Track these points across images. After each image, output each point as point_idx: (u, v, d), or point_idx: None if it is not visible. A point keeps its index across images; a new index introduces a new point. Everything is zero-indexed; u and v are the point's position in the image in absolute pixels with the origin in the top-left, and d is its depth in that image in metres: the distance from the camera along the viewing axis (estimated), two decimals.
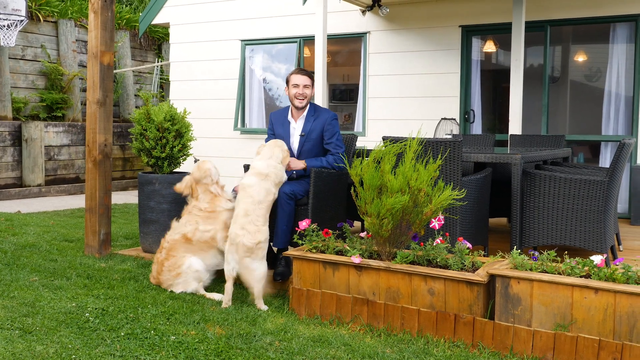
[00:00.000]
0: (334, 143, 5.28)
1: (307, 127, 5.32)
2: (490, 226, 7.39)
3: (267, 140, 5.38)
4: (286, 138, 5.33)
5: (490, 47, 9.82)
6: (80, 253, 5.65)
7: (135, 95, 14.53)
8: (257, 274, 4.45)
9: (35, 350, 3.36)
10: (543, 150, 6.15)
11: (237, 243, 4.43)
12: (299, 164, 5.18)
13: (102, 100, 5.45)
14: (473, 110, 9.26)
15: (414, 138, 4.32)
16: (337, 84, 13.93)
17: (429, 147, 4.72)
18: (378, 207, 4.09)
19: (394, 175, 4.19)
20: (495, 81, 10.81)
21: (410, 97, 9.50)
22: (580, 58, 10.46)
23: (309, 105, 5.39)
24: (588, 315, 3.61)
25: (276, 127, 5.43)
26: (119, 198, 11.14)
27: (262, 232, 4.52)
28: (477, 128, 9.38)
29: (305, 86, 5.29)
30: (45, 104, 12.56)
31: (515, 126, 7.77)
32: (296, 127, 5.36)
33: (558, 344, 3.64)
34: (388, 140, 4.85)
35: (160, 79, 14.71)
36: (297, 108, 5.34)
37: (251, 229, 4.46)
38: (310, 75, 5.34)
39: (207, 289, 4.76)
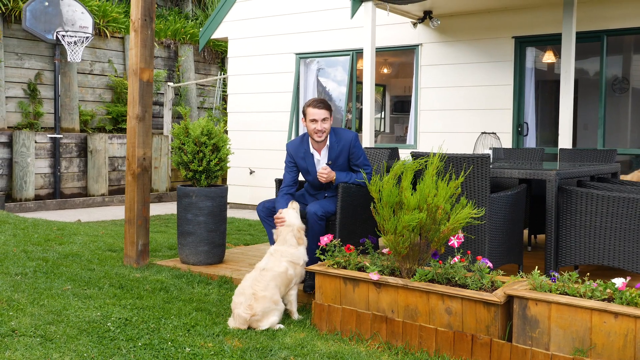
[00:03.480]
0: (361, 164, 5.23)
1: (332, 154, 5.18)
2: (539, 243, 7.22)
3: (285, 169, 5.28)
4: (311, 169, 5.21)
5: (544, 58, 9.59)
6: (119, 263, 5.84)
7: (199, 108, 14.91)
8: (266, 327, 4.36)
9: (51, 358, 3.51)
10: (585, 165, 5.95)
11: (234, 314, 4.31)
12: (330, 175, 5.13)
13: (141, 116, 5.64)
14: (527, 123, 9.05)
15: (435, 154, 4.28)
16: (398, 95, 13.91)
17: (451, 164, 4.65)
18: (395, 224, 4.06)
19: (414, 192, 4.15)
20: (551, 93, 10.53)
21: (462, 109, 9.38)
22: None
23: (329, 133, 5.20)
24: (608, 340, 3.48)
25: (296, 160, 5.25)
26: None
27: (260, 301, 4.28)
28: (531, 141, 9.16)
29: (323, 120, 5.04)
30: (111, 117, 13.07)
31: (565, 140, 7.55)
32: (321, 159, 5.23)
33: None
34: (413, 155, 4.83)
35: (223, 91, 15.04)
36: (317, 142, 5.16)
37: (247, 293, 4.31)
38: (328, 106, 5.09)
39: None
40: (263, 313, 4.28)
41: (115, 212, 10.81)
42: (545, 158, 7.41)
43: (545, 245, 5.12)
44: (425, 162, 4.26)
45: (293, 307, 4.60)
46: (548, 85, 10.59)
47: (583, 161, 6.94)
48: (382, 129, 13.97)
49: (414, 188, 4.20)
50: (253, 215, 10.50)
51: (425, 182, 4.10)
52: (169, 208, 11.62)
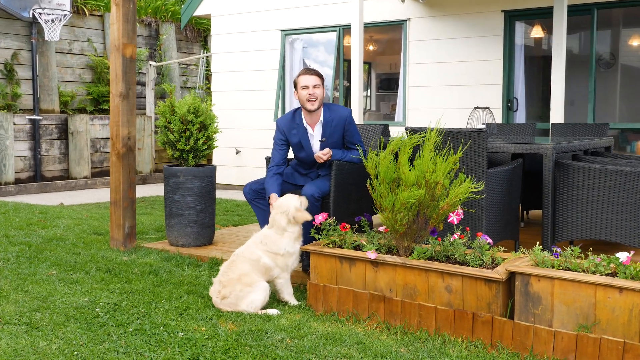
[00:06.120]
0: (356, 141, 5.07)
1: (326, 131, 5.01)
2: (531, 219, 7.16)
3: (275, 146, 5.07)
4: (305, 145, 5.04)
5: (535, 32, 9.48)
6: (105, 246, 5.68)
7: (182, 87, 14.65)
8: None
9: (38, 346, 3.36)
10: (579, 139, 5.87)
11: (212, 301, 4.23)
12: (325, 155, 4.98)
13: (124, 93, 5.45)
14: (516, 99, 8.95)
15: (432, 129, 4.15)
16: (384, 72, 13.76)
17: (449, 138, 4.53)
18: (392, 201, 3.94)
19: (412, 167, 4.03)
20: (541, 68, 10.43)
21: (452, 85, 9.25)
22: (632, 42, 9.99)
23: (322, 108, 5.03)
24: (612, 316, 3.40)
25: (289, 136, 5.06)
26: (162, 190, 11.26)
27: (227, 286, 4.14)
28: (520, 117, 9.07)
29: (315, 86, 4.89)
30: (92, 97, 12.79)
31: (557, 114, 7.46)
32: (314, 134, 5.06)
33: (580, 346, 3.44)
34: (408, 131, 4.70)
35: (206, 70, 14.78)
36: (309, 111, 4.97)
37: (216, 280, 4.21)
38: (319, 74, 4.98)
39: None
40: (236, 297, 4.10)
41: (99, 195, 10.61)
42: (535, 133, 7.32)
43: (542, 220, 5.04)
44: (423, 137, 4.14)
45: (285, 295, 4.38)
46: (536, 60, 10.49)
47: (575, 135, 6.86)
48: (368, 107, 13.83)
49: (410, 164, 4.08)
50: (240, 196, 10.35)
51: (424, 158, 3.97)
52: (154, 190, 11.43)
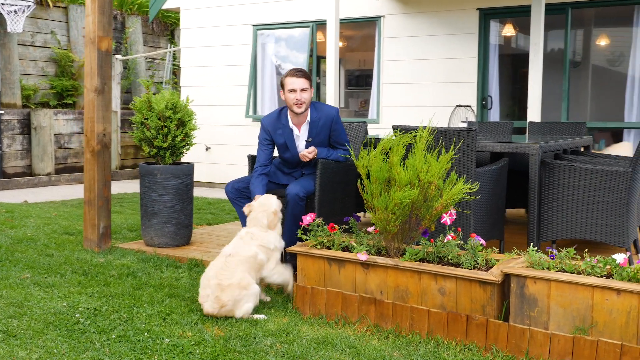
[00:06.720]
0: (343, 140, 4.95)
1: (313, 132, 4.88)
2: (508, 217, 7.14)
3: (260, 146, 4.93)
4: (290, 146, 4.90)
5: (509, 30, 9.49)
6: (79, 247, 5.45)
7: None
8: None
9: (17, 356, 3.16)
10: (562, 138, 5.86)
11: (203, 308, 3.97)
12: (311, 154, 4.86)
13: (100, 88, 5.23)
14: (490, 97, 8.95)
15: (425, 127, 4.06)
16: (353, 69, 13.67)
17: (441, 137, 4.45)
18: (385, 202, 3.84)
19: (404, 167, 3.93)
20: (515, 66, 10.47)
21: (426, 82, 9.20)
22: (603, 42, 10.09)
23: (310, 107, 4.90)
24: (610, 318, 3.36)
25: (274, 136, 4.91)
26: (129, 187, 10.99)
27: (226, 291, 3.91)
28: (494, 115, 9.08)
29: (302, 90, 4.73)
30: (55, 91, 12.41)
31: (534, 113, 7.46)
32: (300, 135, 4.92)
33: (577, 349, 3.39)
34: (398, 129, 4.61)
35: (173, 65, 14.50)
36: (296, 114, 4.84)
37: (212, 284, 3.95)
38: (307, 76, 4.81)
39: None
40: (234, 302, 3.92)
41: (64, 192, 10.28)
42: (513, 132, 7.32)
43: (528, 220, 5.01)
44: (415, 136, 4.04)
45: (287, 277, 4.34)
46: (509, 58, 10.53)
47: (552, 134, 6.87)
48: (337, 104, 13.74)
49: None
50: (211, 193, 10.16)
51: (417, 157, 3.88)
52: (121, 187, 11.15)
